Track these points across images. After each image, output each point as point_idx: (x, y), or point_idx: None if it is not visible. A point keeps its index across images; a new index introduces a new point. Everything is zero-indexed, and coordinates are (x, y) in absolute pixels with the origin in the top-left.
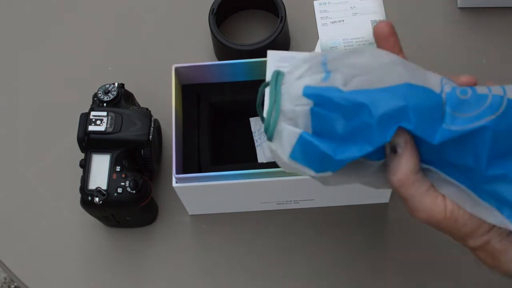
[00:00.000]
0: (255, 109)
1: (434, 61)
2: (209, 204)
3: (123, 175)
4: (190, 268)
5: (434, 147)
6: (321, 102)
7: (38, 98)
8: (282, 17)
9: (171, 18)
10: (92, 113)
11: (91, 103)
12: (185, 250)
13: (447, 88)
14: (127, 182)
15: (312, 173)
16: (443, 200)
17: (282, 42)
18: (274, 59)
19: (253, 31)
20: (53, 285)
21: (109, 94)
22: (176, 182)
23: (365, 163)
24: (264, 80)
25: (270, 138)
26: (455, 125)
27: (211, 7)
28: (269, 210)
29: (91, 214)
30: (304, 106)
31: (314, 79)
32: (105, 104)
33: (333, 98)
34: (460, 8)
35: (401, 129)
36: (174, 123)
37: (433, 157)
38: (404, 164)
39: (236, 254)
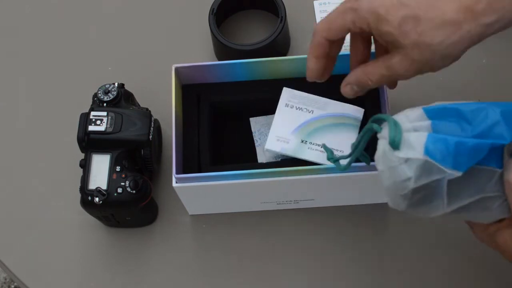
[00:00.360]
0: (255, 109)
1: None
2: (209, 204)
3: (123, 175)
4: (190, 268)
5: None
6: (442, 115)
7: (38, 98)
8: (282, 17)
9: (171, 18)
10: (92, 113)
11: (91, 103)
12: (185, 250)
13: None
14: (127, 182)
15: (447, 170)
16: None
17: (282, 42)
18: (288, 95)
19: (253, 31)
20: (53, 285)
21: (109, 94)
22: (176, 182)
23: (487, 170)
24: (263, 80)
25: (397, 146)
26: None
27: (211, 7)
28: (269, 210)
29: (91, 214)
30: (425, 121)
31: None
32: (105, 104)
33: (454, 108)
34: None
35: None
36: (174, 123)
37: None
38: None
39: (236, 254)
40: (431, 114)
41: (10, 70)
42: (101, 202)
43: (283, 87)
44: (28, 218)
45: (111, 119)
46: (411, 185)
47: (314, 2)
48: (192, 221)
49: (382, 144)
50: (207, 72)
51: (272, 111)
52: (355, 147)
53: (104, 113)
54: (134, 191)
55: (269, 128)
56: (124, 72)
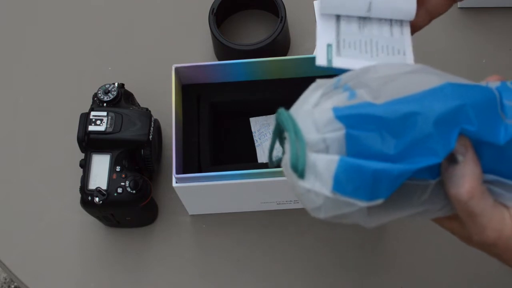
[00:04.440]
0: (255, 109)
1: (434, 61)
2: (209, 204)
3: (123, 175)
4: (190, 268)
5: (496, 150)
6: (358, 123)
7: (38, 98)
8: (282, 17)
9: (171, 18)
10: (92, 113)
11: (91, 103)
12: (185, 250)
13: (492, 84)
14: (127, 182)
15: (362, 203)
16: (509, 214)
17: (282, 42)
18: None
19: (253, 31)
20: (53, 285)
21: (109, 94)
22: (176, 182)
23: (419, 185)
24: (263, 80)
25: (302, 175)
26: None
27: (211, 7)
28: (269, 210)
29: (91, 214)
30: (336, 131)
31: (339, 100)
32: (105, 104)
33: (373, 114)
34: (460, 8)
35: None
36: (174, 123)
37: (493, 164)
38: (471, 173)
39: (236, 254)
40: (345, 121)
41: (10, 70)
42: (101, 202)
43: (283, 87)
44: (28, 218)
45: (111, 119)
46: (322, 215)
47: (314, 2)
48: (192, 221)
49: (285, 162)
50: (207, 72)
51: (272, 111)
52: (270, 148)
53: (104, 113)
54: (134, 191)
55: (269, 128)
56: (124, 72)
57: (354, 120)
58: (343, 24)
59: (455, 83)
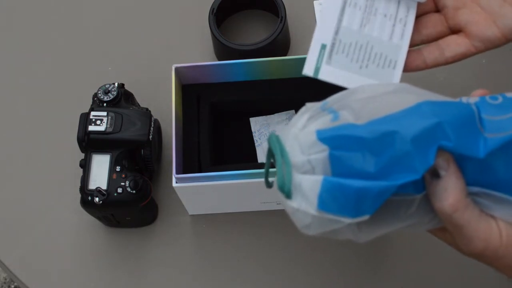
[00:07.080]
0: (255, 109)
1: None
2: (209, 204)
3: (123, 175)
4: (190, 268)
5: (478, 163)
6: (340, 144)
7: (38, 98)
8: (282, 17)
9: (171, 18)
10: (92, 113)
11: (91, 103)
12: (185, 250)
13: (472, 99)
14: (127, 182)
15: (347, 220)
16: (497, 224)
17: (282, 42)
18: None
19: (253, 31)
20: (53, 285)
21: (109, 94)
22: (176, 182)
23: (404, 200)
24: (263, 80)
25: (288, 195)
26: (500, 131)
27: (211, 7)
28: (269, 210)
29: (91, 214)
30: (320, 153)
31: (322, 122)
32: (105, 104)
33: (354, 135)
34: None
35: (438, 150)
36: (174, 123)
37: (477, 176)
38: (453, 186)
39: (236, 254)
40: (328, 142)
41: (10, 70)
42: (101, 202)
43: (283, 87)
44: (28, 218)
45: (111, 119)
46: (311, 232)
47: (314, 2)
48: (192, 221)
49: (275, 183)
50: (207, 72)
51: (272, 111)
52: (265, 170)
53: (104, 113)
54: (134, 191)
55: (269, 128)
56: (124, 72)
57: (337, 141)
58: (348, 10)
59: (433, 101)
